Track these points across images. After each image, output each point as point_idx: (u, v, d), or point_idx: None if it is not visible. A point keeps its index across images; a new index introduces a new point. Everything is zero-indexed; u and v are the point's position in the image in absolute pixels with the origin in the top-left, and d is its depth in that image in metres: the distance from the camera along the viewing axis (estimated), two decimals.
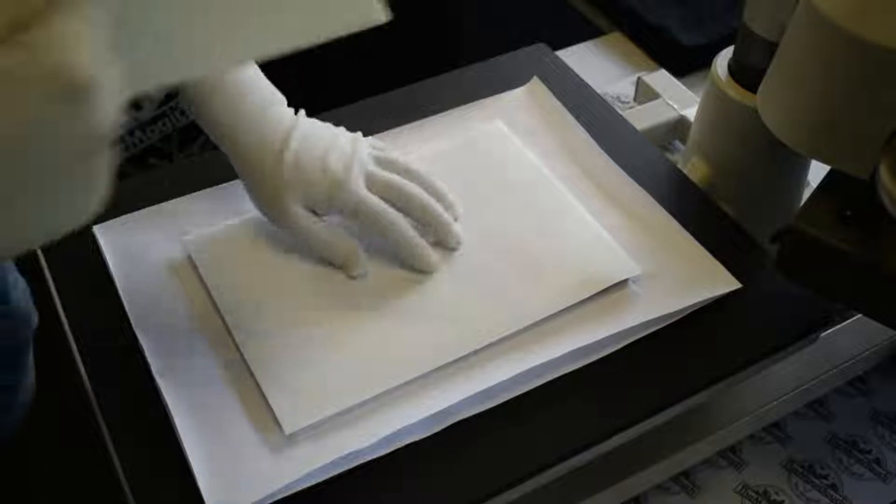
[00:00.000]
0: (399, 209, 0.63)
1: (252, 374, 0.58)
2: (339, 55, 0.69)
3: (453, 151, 0.73)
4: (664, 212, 0.69)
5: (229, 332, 0.60)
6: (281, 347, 0.59)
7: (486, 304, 0.62)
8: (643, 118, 0.86)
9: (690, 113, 0.86)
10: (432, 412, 0.56)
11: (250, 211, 0.66)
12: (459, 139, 0.74)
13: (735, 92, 0.71)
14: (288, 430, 0.55)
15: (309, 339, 0.60)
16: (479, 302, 0.62)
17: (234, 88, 0.62)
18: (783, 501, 0.67)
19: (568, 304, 0.62)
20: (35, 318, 0.63)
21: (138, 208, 0.68)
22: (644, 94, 0.92)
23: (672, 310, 0.62)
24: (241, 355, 0.59)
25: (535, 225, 0.67)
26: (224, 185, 0.69)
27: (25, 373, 0.70)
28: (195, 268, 0.64)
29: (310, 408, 0.56)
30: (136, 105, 1.29)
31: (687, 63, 0.98)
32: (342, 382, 0.57)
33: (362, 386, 0.57)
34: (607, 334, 0.60)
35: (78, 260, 0.65)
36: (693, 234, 0.67)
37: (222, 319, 0.61)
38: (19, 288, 0.59)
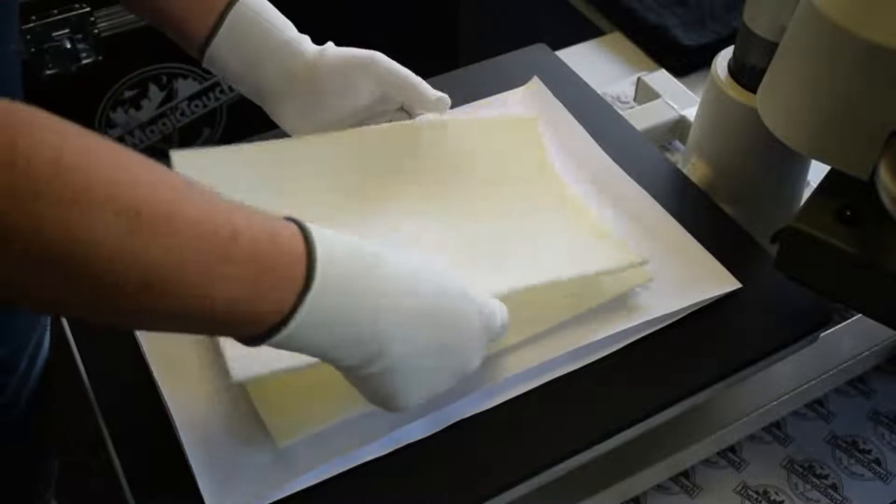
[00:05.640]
0: None
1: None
2: None
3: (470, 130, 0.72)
4: (664, 212, 0.68)
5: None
6: (274, 358, 0.58)
7: None
8: (643, 118, 0.86)
9: (690, 113, 0.86)
10: (431, 413, 0.56)
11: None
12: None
13: (735, 92, 0.71)
14: (281, 444, 0.54)
15: None
16: None
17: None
18: (783, 501, 0.67)
19: (580, 311, 0.61)
20: None
21: None
22: (644, 94, 0.92)
23: (672, 310, 0.62)
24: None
25: (545, 223, 0.67)
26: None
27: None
28: None
29: (303, 421, 0.55)
30: (135, 105, 1.29)
31: (687, 63, 0.98)
32: (337, 395, 0.56)
33: (359, 398, 0.56)
34: (607, 334, 0.60)
35: None
36: (693, 234, 0.67)
37: None
38: None
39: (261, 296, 0.42)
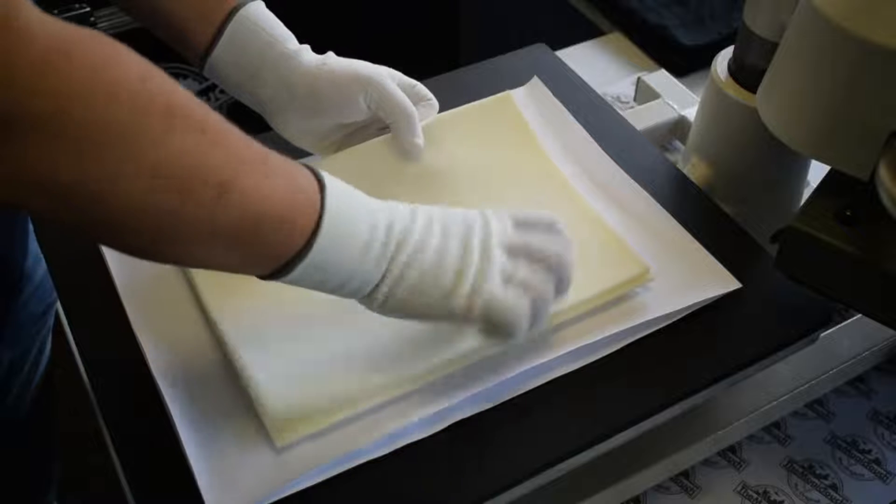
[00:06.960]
0: None
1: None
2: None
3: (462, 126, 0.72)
4: (664, 212, 0.68)
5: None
6: (273, 357, 0.58)
7: None
8: (643, 118, 0.86)
9: (690, 113, 0.86)
10: (432, 412, 0.56)
11: None
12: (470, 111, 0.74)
13: (735, 92, 0.71)
14: (281, 444, 0.54)
15: (302, 347, 0.59)
16: None
17: None
18: (783, 501, 0.67)
19: (580, 311, 0.61)
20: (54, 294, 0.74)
21: None
22: (644, 94, 0.92)
23: (672, 310, 0.62)
24: (233, 364, 0.58)
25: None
26: None
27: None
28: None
29: (303, 421, 0.55)
30: None
31: (687, 63, 0.98)
32: (336, 394, 0.56)
33: (358, 397, 0.56)
34: (607, 334, 0.60)
35: (78, 260, 0.65)
36: (693, 234, 0.67)
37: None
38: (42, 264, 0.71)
39: (295, 209, 0.48)
